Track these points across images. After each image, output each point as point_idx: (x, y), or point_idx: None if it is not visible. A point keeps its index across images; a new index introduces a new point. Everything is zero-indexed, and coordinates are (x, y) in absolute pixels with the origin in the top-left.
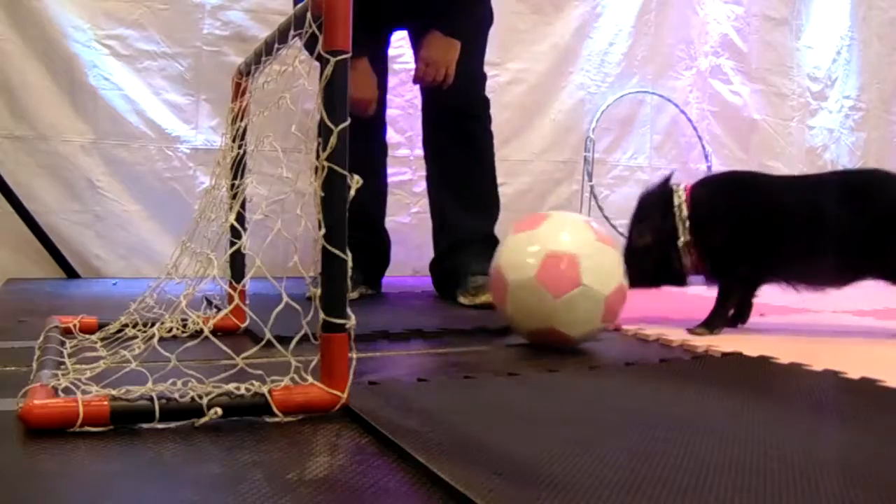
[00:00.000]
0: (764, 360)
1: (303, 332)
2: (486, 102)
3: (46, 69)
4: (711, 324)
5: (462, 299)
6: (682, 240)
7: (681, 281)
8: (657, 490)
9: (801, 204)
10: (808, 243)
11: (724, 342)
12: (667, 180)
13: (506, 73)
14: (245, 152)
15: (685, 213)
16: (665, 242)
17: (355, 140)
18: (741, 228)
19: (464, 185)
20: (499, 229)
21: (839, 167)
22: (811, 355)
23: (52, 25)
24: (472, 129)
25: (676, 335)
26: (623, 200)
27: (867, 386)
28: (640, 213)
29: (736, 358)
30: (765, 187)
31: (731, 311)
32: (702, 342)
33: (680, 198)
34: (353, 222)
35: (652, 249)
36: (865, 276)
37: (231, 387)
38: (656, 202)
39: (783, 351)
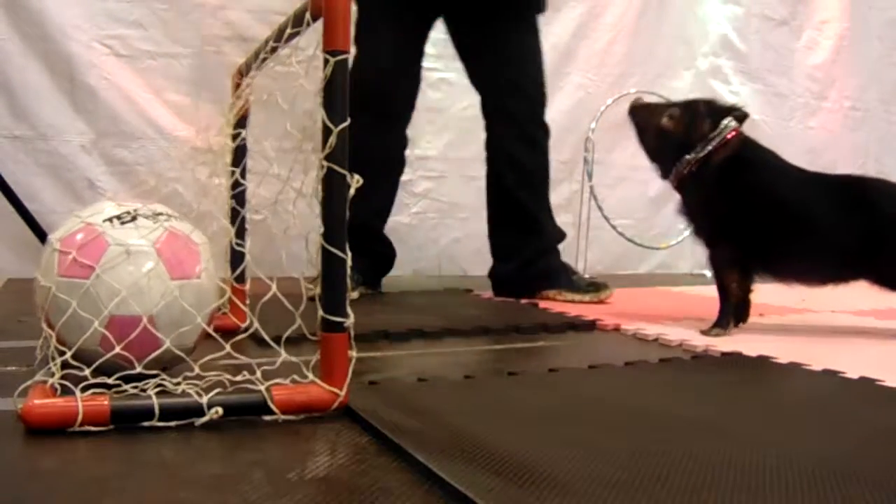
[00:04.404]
0: (763, 360)
1: (302, 332)
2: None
3: (46, 69)
4: (721, 322)
5: (570, 297)
6: (691, 155)
7: (660, 172)
8: (657, 490)
9: (806, 203)
10: (806, 242)
11: (724, 342)
12: (732, 108)
13: None
14: (245, 152)
15: (714, 145)
16: (679, 143)
17: (373, 134)
18: (741, 206)
19: (544, 191)
20: None
21: (839, 167)
22: (811, 355)
23: (52, 25)
24: (540, 139)
25: (676, 335)
26: (623, 200)
27: (867, 386)
28: (688, 107)
29: (735, 358)
30: (785, 178)
31: (736, 305)
32: (701, 342)
33: (724, 130)
34: (356, 232)
35: (665, 135)
36: (858, 278)
37: (231, 386)
38: (705, 113)
39: (783, 351)
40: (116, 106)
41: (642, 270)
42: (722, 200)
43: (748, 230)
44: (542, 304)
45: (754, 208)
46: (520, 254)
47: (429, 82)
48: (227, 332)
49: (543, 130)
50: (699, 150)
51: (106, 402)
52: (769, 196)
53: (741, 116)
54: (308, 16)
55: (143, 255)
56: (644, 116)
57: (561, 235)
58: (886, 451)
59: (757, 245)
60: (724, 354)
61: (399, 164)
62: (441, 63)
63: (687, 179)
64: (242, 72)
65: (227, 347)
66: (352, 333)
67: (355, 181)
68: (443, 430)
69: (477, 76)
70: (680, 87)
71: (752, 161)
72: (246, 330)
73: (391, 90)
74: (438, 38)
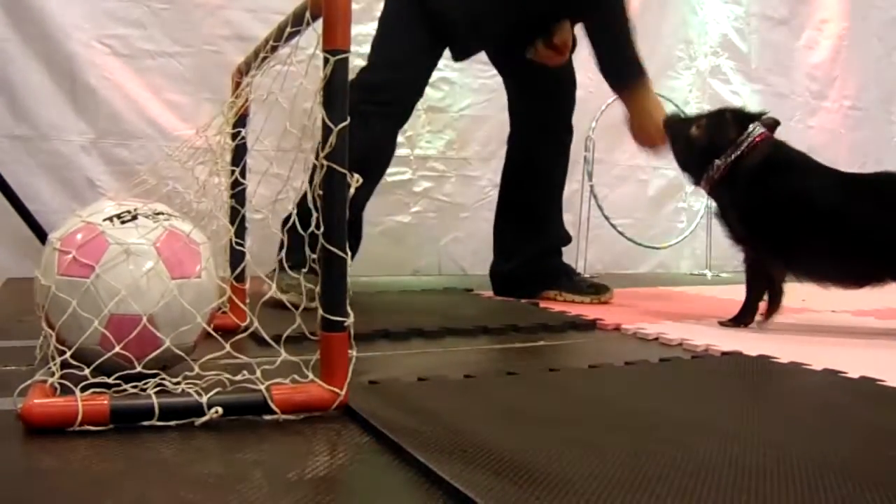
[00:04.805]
0: (764, 360)
1: (302, 331)
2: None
3: (46, 69)
4: (742, 318)
5: (571, 298)
6: (721, 160)
7: (692, 179)
8: (657, 490)
9: (838, 203)
10: (838, 242)
11: (724, 342)
12: (760, 115)
13: None
14: (245, 151)
15: (743, 149)
16: (707, 150)
17: (383, 128)
18: (773, 207)
19: (559, 193)
20: None
21: (839, 167)
22: (811, 355)
23: (52, 25)
24: (567, 142)
25: (676, 334)
26: (623, 200)
27: (867, 386)
28: (715, 115)
29: (736, 357)
30: (816, 178)
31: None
32: (701, 342)
33: (752, 134)
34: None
35: (694, 143)
36: (886, 280)
37: (231, 386)
38: (731, 120)
39: (783, 351)
40: (117, 105)
41: (642, 270)
42: (754, 202)
43: (780, 231)
44: (543, 303)
45: (786, 209)
46: (522, 253)
47: (429, 82)
48: (227, 332)
49: (569, 133)
50: (728, 155)
51: (106, 402)
52: (801, 197)
53: (771, 122)
54: (308, 15)
55: (142, 255)
56: (676, 128)
57: (567, 239)
58: (886, 451)
59: (790, 246)
60: (724, 354)
61: (391, 157)
62: (441, 63)
63: (718, 184)
64: (242, 71)
65: (227, 347)
66: (352, 333)
67: (355, 181)
68: (443, 430)
69: (509, 77)
70: (680, 87)
71: (782, 163)
72: (246, 329)
73: (406, 88)
74: None
